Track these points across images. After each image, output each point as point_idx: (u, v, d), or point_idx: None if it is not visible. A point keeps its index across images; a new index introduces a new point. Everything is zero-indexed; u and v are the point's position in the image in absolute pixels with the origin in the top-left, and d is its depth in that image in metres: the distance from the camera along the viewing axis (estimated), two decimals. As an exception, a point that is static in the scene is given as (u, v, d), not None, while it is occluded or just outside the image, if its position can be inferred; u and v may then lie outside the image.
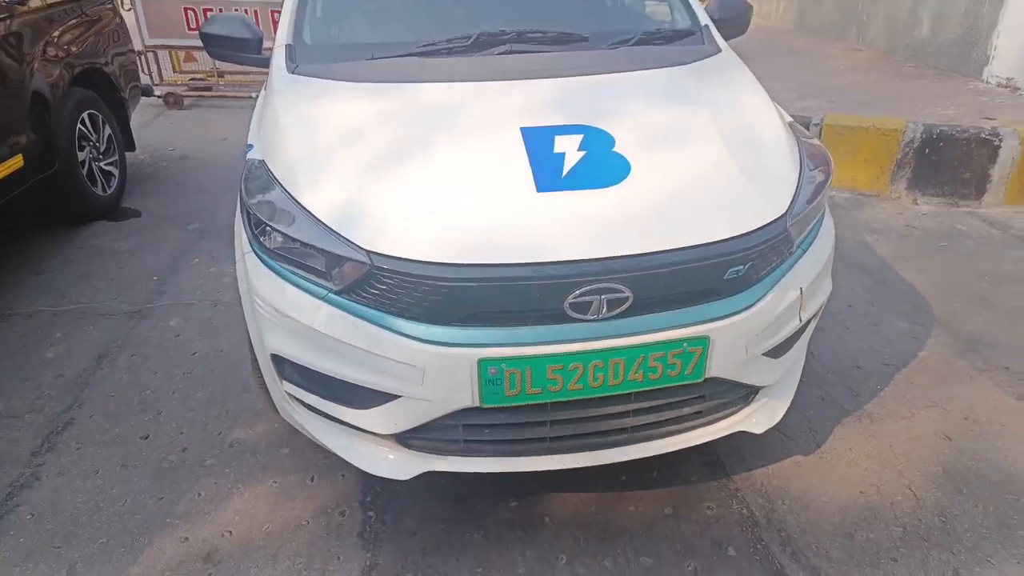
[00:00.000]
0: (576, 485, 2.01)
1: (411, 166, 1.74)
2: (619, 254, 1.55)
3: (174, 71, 6.93)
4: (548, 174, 1.68)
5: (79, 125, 3.77)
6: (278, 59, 2.30)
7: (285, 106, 2.06)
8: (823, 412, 2.32)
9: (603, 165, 1.72)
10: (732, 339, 1.67)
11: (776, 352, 1.82)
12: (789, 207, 1.72)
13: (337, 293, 1.62)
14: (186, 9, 6.27)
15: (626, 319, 1.59)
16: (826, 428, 2.25)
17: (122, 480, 2.05)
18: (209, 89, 6.70)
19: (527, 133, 1.80)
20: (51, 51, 3.56)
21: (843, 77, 5.61)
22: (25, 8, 3.40)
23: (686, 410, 1.79)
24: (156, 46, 6.46)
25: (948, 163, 3.96)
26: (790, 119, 2.17)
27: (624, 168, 1.71)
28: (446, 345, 1.56)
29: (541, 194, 1.63)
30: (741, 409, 1.88)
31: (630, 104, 1.98)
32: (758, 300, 1.69)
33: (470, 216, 1.61)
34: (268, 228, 1.71)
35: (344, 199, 1.67)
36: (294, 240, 1.66)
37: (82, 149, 3.79)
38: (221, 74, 6.65)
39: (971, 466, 2.09)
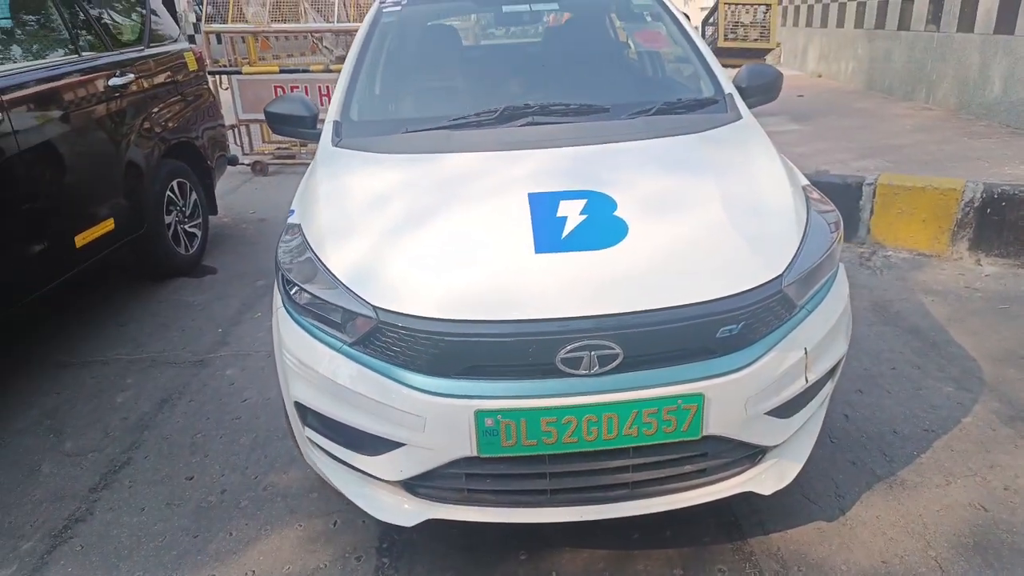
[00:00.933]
0: (585, 540, 2.03)
1: (423, 230, 1.88)
2: (607, 312, 1.62)
3: (263, 141, 7.55)
4: (548, 236, 1.78)
5: (168, 192, 4.18)
6: (326, 134, 2.54)
7: (325, 177, 2.27)
8: (852, 477, 2.26)
9: (602, 228, 1.80)
10: (729, 397, 1.69)
11: (783, 412, 1.82)
12: (786, 269, 1.75)
13: (351, 345, 1.76)
14: (276, 87, 6.85)
15: (619, 375, 1.65)
16: (854, 494, 2.18)
17: (164, 518, 2.21)
18: (293, 157, 7.24)
19: (534, 198, 1.92)
20: (148, 126, 3.99)
21: (908, 136, 5.51)
22: (130, 90, 3.85)
23: (688, 468, 1.80)
24: (249, 120, 7.06)
25: (1012, 223, 3.80)
26: (805, 182, 2.20)
27: (622, 231, 1.79)
28: (445, 396, 1.65)
29: (539, 255, 1.73)
30: (748, 469, 1.86)
31: (637, 171, 2.07)
32: (756, 359, 1.71)
33: (469, 275, 1.73)
34: (296, 286, 1.88)
35: (361, 260, 1.83)
36: (317, 297, 1.82)
37: (169, 213, 4.19)
38: (304, 144, 7.16)
39: (1006, 539, 1.98)
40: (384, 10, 3.08)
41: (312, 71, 6.93)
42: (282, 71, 7.03)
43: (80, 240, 3.31)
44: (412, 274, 1.75)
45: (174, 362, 3.18)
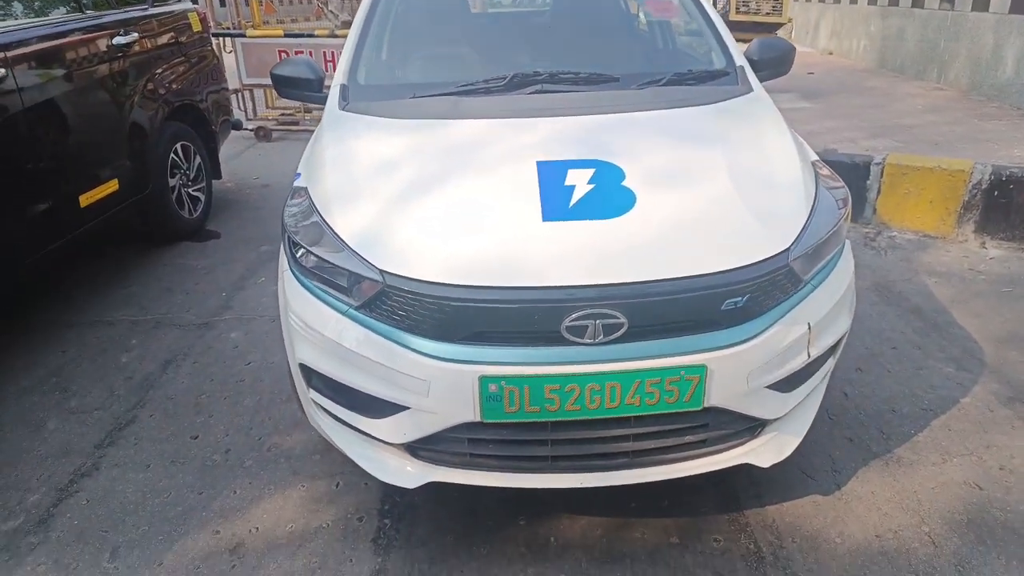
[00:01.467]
0: (584, 508, 2.06)
1: (431, 196, 1.88)
2: (612, 281, 1.62)
3: (267, 107, 7.49)
4: (555, 205, 1.78)
5: (172, 155, 4.16)
6: (332, 97, 2.51)
7: (332, 140, 2.26)
8: (849, 453, 2.28)
9: (609, 197, 1.80)
10: (732, 370, 1.70)
11: (784, 386, 1.83)
12: (793, 243, 1.75)
13: (357, 309, 1.76)
14: (280, 52, 6.77)
15: (623, 344, 1.66)
16: (850, 469, 2.21)
17: (169, 475, 2.25)
18: (296, 124, 7.19)
19: (542, 167, 1.91)
20: (151, 87, 3.96)
21: (918, 117, 5.46)
22: (134, 50, 3.81)
23: (688, 438, 1.82)
24: (252, 85, 7.00)
25: (1019, 206, 3.79)
26: (815, 157, 2.18)
27: (629, 201, 1.79)
28: (450, 361, 1.66)
29: (546, 223, 1.73)
30: (747, 441, 1.88)
31: (646, 141, 2.06)
32: (759, 333, 1.71)
33: (476, 242, 1.73)
34: (303, 249, 1.88)
35: (369, 224, 1.83)
36: (323, 260, 1.82)
37: (173, 176, 4.17)
38: (309, 110, 7.12)
39: (999, 517, 2.00)
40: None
41: (317, 35, 6.85)
42: (287, 35, 6.95)
43: (85, 200, 3.31)
44: (419, 239, 1.75)
45: (178, 325, 3.20)
